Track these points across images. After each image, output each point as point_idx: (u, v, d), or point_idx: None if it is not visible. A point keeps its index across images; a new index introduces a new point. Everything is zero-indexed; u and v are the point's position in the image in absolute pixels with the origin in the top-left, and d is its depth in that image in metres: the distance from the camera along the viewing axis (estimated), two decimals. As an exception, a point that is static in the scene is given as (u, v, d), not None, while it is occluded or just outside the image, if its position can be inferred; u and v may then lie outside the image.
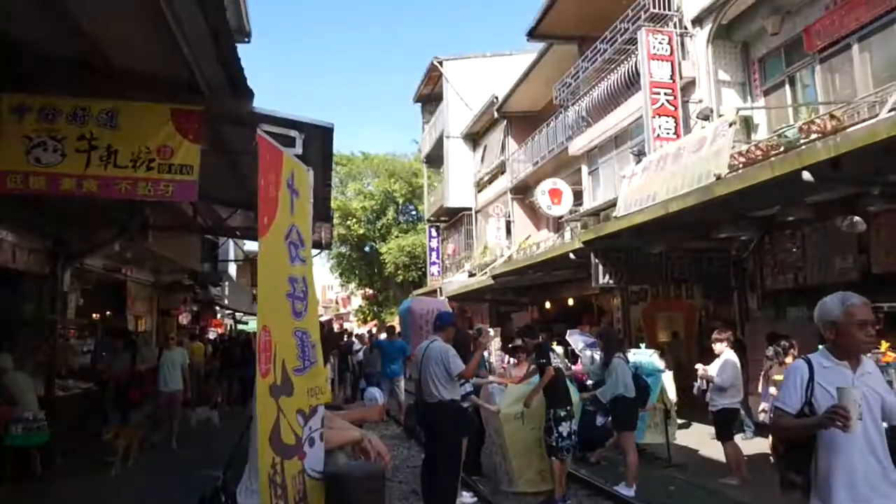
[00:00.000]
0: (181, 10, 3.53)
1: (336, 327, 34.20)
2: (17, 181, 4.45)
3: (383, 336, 15.85)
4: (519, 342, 9.36)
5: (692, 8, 10.86)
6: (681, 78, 10.86)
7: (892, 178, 5.93)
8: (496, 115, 19.94)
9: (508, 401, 6.76)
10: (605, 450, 7.78)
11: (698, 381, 8.29)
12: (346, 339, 18.62)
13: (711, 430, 7.16)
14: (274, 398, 2.04)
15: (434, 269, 25.41)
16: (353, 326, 36.02)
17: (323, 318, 40.55)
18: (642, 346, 8.99)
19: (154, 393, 9.12)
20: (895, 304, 8.47)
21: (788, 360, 5.92)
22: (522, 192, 18.91)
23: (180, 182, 4.59)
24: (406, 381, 11.89)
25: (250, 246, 18.75)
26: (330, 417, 2.75)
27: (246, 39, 10.22)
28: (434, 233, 25.76)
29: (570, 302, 15.10)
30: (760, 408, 6.34)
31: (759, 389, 6.62)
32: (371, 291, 34.93)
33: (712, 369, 6.79)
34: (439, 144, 24.19)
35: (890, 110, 6.22)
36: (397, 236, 29.78)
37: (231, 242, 17.80)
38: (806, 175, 5.59)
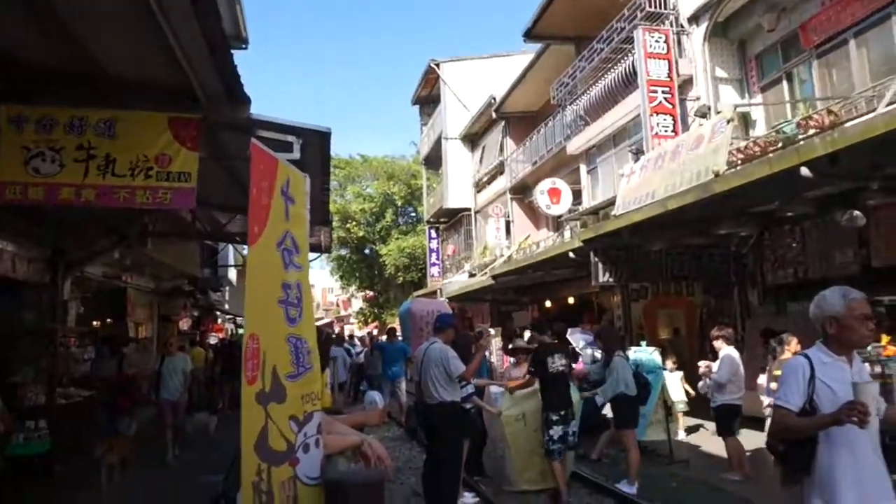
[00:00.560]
0: (177, 22, 3.54)
1: (337, 329, 34.26)
2: (16, 192, 4.47)
3: (384, 338, 15.88)
4: (520, 342, 9.39)
5: (688, 6, 10.87)
6: (678, 76, 10.87)
7: (890, 172, 5.93)
8: (494, 115, 19.96)
9: (509, 403, 6.77)
10: (605, 447, 7.79)
11: (702, 378, 8.33)
12: (346, 340, 18.66)
13: (713, 426, 7.17)
14: (261, 405, 2.04)
15: (434, 270, 25.42)
16: (354, 329, 36.03)
17: (324, 321, 40.66)
18: (643, 343, 8.99)
19: (151, 401, 9.06)
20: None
21: (786, 355, 5.91)
22: (521, 191, 18.92)
23: (178, 189, 4.61)
24: (407, 382, 11.89)
25: (250, 251, 18.71)
26: (329, 422, 2.75)
27: (243, 46, 10.23)
28: (434, 234, 25.77)
29: (571, 300, 15.11)
30: (766, 403, 6.33)
31: (763, 384, 6.61)
32: (371, 293, 34.94)
33: (716, 366, 6.80)
34: (438, 146, 24.21)
35: (887, 105, 6.22)
36: (397, 238, 29.79)
37: (231, 247, 17.81)
38: (804, 171, 5.60)
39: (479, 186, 22.24)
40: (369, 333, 27.19)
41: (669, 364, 8.82)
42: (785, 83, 9.96)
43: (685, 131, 10.19)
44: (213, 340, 21.69)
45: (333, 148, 5.74)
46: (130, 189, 4.54)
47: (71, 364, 9.30)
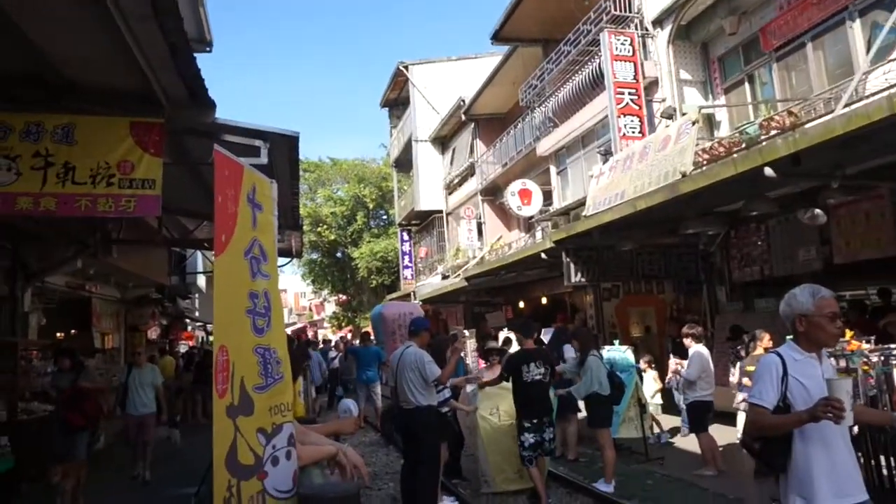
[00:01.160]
0: (136, 22, 3.44)
1: (311, 335, 33.88)
2: (-31, 202, 4.29)
3: (357, 342, 15.73)
4: (493, 343, 9.39)
5: (652, 9, 11.05)
6: (644, 78, 11.03)
7: (850, 172, 6.10)
8: (463, 117, 20.00)
9: (483, 400, 6.77)
10: (576, 445, 7.83)
11: (669, 375, 8.44)
12: (318, 344, 18.47)
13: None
14: (231, 418, 1.99)
15: (407, 273, 25.34)
16: (328, 333, 35.70)
17: (297, 326, 40.17)
18: (616, 342, 9.09)
19: (105, 416, 8.54)
20: (857, 293, 8.76)
21: (759, 351, 6.03)
22: (492, 193, 18.98)
23: (142, 197, 4.48)
24: (383, 386, 11.81)
25: (219, 257, 18.37)
26: (304, 432, 2.70)
27: (207, 49, 10.01)
28: (406, 236, 25.70)
29: (544, 300, 15.20)
30: (739, 399, 6.43)
31: (734, 381, 6.72)
32: (344, 297, 34.67)
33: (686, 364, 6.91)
34: (408, 148, 24.15)
35: (844, 106, 6.40)
36: (369, 241, 29.63)
37: (199, 254, 17.46)
38: (768, 171, 5.73)
39: (451, 188, 22.26)
40: (342, 338, 26.97)
41: (643, 364, 8.90)
42: (747, 85, 10.19)
43: (652, 132, 10.34)
44: (183, 349, 21.28)
45: (302, 151, 5.67)
46: (92, 197, 4.39)
47: (33, 378, 8.97)
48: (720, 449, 6.92)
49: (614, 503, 5.88)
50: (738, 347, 7.13)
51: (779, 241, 8.85)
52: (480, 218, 19.45)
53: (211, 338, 27.52)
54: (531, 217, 16.00)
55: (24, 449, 6.92)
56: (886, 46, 7.44)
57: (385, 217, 31.65)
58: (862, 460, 4.81)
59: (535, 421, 6.00)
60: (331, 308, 40.47)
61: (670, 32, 10.70)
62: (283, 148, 5.37)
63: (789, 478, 2.43)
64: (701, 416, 6.87)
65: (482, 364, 10.47)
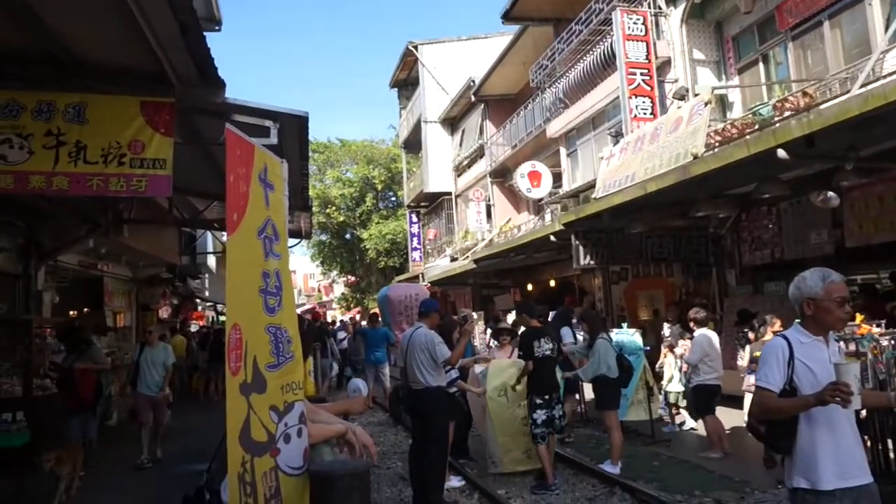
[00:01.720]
0: (147, 2, 3.43)
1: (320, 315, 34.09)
2: (-17, 181, 4.33)
3: (365, 323, 15.83)
4: (503, 324, 9.43)
5: (666, -13, 10.86)
6: (656, 58, 10.88)
7: (864, 154, 6.01)
8: (473, 98, 19.84)
9: (492, 378, 6.80)
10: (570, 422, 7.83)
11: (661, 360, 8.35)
12: (331, 326, 18.59)
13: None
14: (244, 396, 2.02)
15: (416, 255, 25.38)
16: (337, 314, 35.91)
17: (305, 307, 40.46)
18: (624, 325, 9.08)
19: (126, 394, 8.57)
20: (869, 277, 8.69)
21: (768, 335, 6.01)
22: (502, 175, 18.90)
23: (154, 177, 4.50)
24: (392, 367, 11.91)
25: (229, 237, 18.49)
26: (314, 410, 2.73)
27: (216, 28, 9.97)
28: (415, 218, 25.69)
29: (552, 283, 15.20)
30: (749, 382, 6.41)
31: (742, 364, 6.71)
32: (353, 279, 34.80)
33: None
34: (417, 129, 24.03)
35: (861, 86, 6.29)
36: (378, 223, 29.64)
37: (209, 234, 17.54)
38: (781, 153, 5.65)
39: (460, 170, 22.17)
40: (351, 319, 27.13)
41: (663, 349, 8.49)
42: (761, 65, 10.02)
43: (664, 113, 10.23)
44: (193, 328, 21.50)
45: (311, 132, 5.65)
46: (103, 177, 4.42)
47: (47, 355, 9.11)
48: (727, 432, 6.94)
49: (620, 484, 5.93)
50: (746, 330, 7.10)
51: (790, 224, 8.76)
52: (489, 200, 19.40)
53: (221, 318, 27.81)
54: (541, 199, 15.95)
55: (40, 424, 7.04)
56: (906, 26, 7.29)
57: (394, 198, 31.62)
58: (869, 444, 4.81)
59: (546, 397, 6.10)
60: (340, 289, 40.66)
61: (684, 11, 10.53)
62: (293, 128, 5.36)
63: (794, 460, 2.44)
64: (706, 399, 6.86)
65: (490, 345, 10.54)
